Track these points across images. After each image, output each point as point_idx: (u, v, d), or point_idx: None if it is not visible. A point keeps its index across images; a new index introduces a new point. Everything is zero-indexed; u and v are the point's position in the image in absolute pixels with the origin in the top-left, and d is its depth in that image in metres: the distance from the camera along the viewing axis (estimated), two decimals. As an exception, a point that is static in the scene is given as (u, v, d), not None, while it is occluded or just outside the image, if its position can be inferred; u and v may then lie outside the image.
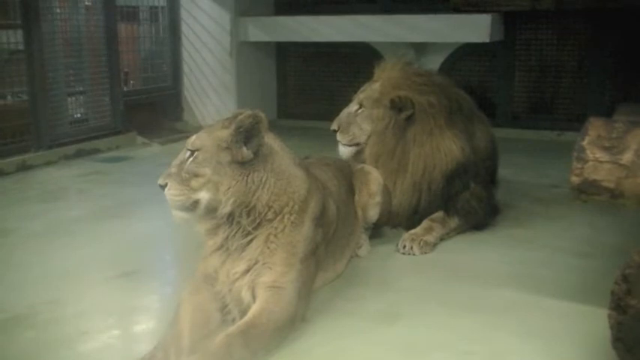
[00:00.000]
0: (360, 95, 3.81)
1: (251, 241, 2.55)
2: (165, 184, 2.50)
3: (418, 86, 3.66)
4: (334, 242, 2.93)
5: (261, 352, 2.31)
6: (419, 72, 3.86)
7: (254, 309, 2.40)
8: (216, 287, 2.55)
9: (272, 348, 2.36)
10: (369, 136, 3.74)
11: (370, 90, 3.79)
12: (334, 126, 3.82)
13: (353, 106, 3.82)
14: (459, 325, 2.62)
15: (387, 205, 3.48)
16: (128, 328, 2.74)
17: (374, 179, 3.42)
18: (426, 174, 3.60)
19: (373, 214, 3.40)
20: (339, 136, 3.82)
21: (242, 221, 2.53)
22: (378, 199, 3.40)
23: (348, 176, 3.37)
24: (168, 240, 3.81)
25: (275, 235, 2.55)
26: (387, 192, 3.50)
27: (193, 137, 2.57)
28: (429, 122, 3.60)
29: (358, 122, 3.76)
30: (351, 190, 3.35)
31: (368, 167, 3.52)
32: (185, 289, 2.58)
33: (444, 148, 3.60)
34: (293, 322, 2.46)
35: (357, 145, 3.78)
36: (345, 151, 3.82)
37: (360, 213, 3.35)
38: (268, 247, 2.54)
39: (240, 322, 2.35)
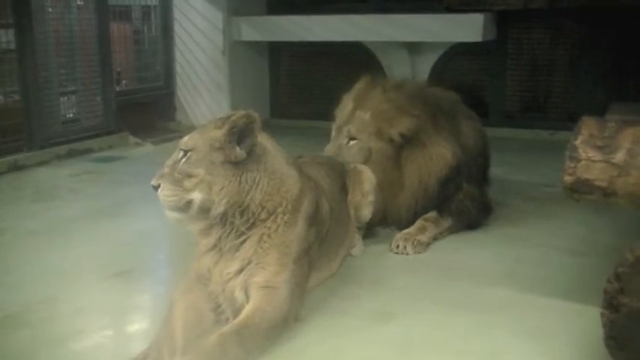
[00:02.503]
0: (350, 127, 3.65)
1: (244, 241, 2.54)
2: (159, 185, 2.49)
3: (404, 107, 3.59)
4: (328, 241, 2.92)
5: (254, 351, 2.30)
6: (397, 95, 3.70)
7: (247, 309, 2.40)
8: (210, 287, 2.55)
9: (266, 347, 2.36)
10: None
11: (362, 122, 3.63)
12: None
13: (342, 139, 3.68)
14: (453, 324, 2.62)
15: (380, 204, 3.48)
16: (123, 327, 2.74)
17: (367, 178, 3.42)
18: (422, 183, 3.58)
19: (366, 213, 3.40)
20: None
21: (235, 221, 2.53)
22: (371, 198, 3.40)
23: (341, 175, 3.37)
24: (163, 239, 3.81)
25: (268, 235, 2.55)
26: (380, 192, 3.49)
27: (186, 137, 2.56)
28: (418, 135, 3.56)
29: (353, 154, 3.61)
30: (344, 190, 3.34)
31: (361, 166, 3.51)
32: (178, 288, 2.58)
33: (436, 156, 3.57)
34: (286, 322, 2.46)
35: None
36: None
37: (353, 212, 3.35)
38: (261, 247, 2.53)
39: (234, 322, 2.35)
